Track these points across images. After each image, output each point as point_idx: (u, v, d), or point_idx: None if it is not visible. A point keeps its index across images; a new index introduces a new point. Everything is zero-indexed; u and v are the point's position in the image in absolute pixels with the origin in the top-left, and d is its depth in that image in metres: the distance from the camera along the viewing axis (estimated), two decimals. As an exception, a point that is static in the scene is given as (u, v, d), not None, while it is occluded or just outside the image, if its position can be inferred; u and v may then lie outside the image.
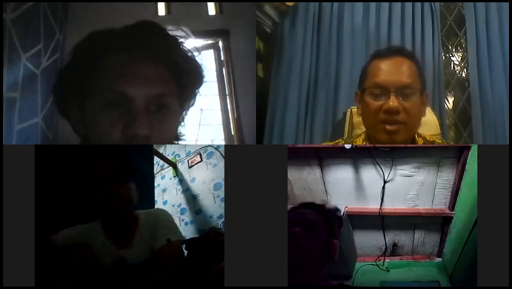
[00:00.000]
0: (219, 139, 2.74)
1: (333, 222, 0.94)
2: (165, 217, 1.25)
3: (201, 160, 2.52)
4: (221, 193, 2.32)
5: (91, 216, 1.17)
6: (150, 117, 0.80)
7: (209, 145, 2.51)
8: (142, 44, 0.82)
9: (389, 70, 1.12)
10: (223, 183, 2.33)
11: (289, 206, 1.01)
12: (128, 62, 0.81)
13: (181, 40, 0.88)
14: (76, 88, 0.84)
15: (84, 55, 0.84)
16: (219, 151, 2.42)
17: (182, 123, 0.95)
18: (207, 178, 2.43)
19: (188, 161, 2.57)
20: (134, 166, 1.19)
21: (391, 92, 1.09)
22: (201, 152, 2.52)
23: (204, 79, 0.92)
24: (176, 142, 0.95)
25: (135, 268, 1.09)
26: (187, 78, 0.88)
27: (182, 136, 0.95)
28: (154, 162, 2.35)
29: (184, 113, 0.94)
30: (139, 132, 0.78)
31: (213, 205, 2.34)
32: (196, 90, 0.93)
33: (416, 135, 1.21)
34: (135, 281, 1.04)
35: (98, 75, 0.81)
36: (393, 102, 1.09)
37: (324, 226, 0.91)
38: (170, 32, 0.87)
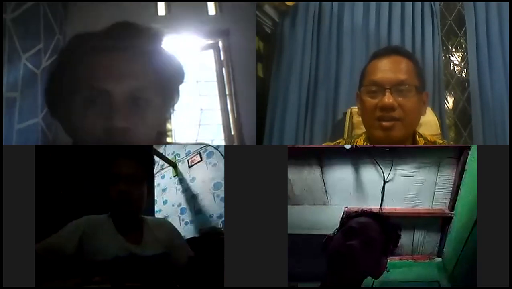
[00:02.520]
0: (219, 139, 2.73)
1: (390, 241, 0.92)
2: (171, 230, 1.24)
3: (201, 160, 2.51)
4: (221, 192, 2.32)
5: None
6: (127, 110, 0.82)
7: (209, 145, 2.51)
8: (120, 43, 0.85)
9: (385, 68, 1.13)
10: (223, 182, 2.32)
11: (352, 209, 0.96)
12: (105, 60, 0.83)
13: (159, 39, 0.90)
14: (61, 90, 0.86)
15: (67, 57, 0.87)
16: (219, 151, 2.42)
17: (169, 120, 0.96)
18: (207, 178, 2.43)
19: (188, 160, 2.57)
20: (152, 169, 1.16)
21: (386, 89, 1.10)
22: (201, 151, 2.52)
23: (185, 76, 0.94)
24: (164, 140, 0.96)
25: (145, 261, 1.08)
26: (166, 73, 0.90)
27: (169, 132, 0.96)
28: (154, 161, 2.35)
29: (171, 110, 0.95)
30: (117, 125, 0.80)
31: (213, 204, 2.34)
32: (179, 87, 0.95)
33: (417, 135, 1.21)
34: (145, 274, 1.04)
35: (79, 74, 0.83)
36: (388, 98, 1.09)
37: (381, 245, 0.90)
38: (147, 31, 0.89)
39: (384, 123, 1.11)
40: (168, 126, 0.97)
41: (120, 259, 1.04)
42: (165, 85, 0.90)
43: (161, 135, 0.95)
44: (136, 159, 1.09)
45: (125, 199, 1.06)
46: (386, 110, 1.10)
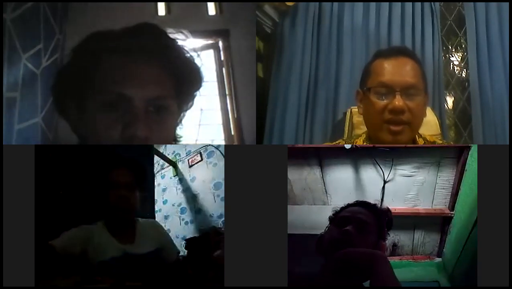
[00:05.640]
0: (219, 139, 2.73)
1: (383, 224, 0.95)
2: (160, 228, 1.33)
3: (201, 160, 2.52)
4: (221, 192, 2.32)
5: (93, 217, 1.18)
6: (149, 118, 0.80)
7: (209, 145, 2.52)
8: (142, 45, 0.82)
9: (394, 70, 1.12)
10: (223, 182, 2.33)
11: (344, 203, 1.01)
12: (127, 63, 0.81)
13: (180, 42, 0.88)
14: (74, 89, 0.84)
15: (83, 56, 0.84)
16: (220, 150, 2.42)
17: (180, 125, 0.95)
18: (207, 178, 2.43)
19: (188, 160, 2.58)
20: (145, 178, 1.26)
21: (397, 92, 1.09)
22: (201, 151, 2.53)
23: (203, 82, 0.93)
24: (174, 143, 0.96)
25: (142, 258, 1.13)
26: (186, 81, 0.88)
27: (179, 138, 0.96)
28: (154, 161, 2.35)
29: (182, 114, 0.94)
30: (138, 134, 0.78)
31: (213, 204, 2.35)
32: (195, 93, 0.93)
33: (416, 136, 1.21)
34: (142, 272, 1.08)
35: (97, 76, 0.81)
36: (398, 101, 1.09)
37: (375, 227, 0.92)
38: (170, 35, 0.87)
39: (393, 127, 1.10)
40: (179, 131, 0.96)
41: (116, 259, 1.08)
42: (183, 91, 0.89)
43: (174, 140, 0.95)
44: (130, 169, 1.18)
45: (123, 203, 1.14)
46: (396, 113, 1.09)
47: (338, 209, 1.00)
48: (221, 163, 2.38)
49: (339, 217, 0.94)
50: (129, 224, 1.19)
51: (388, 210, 0.99)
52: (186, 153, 2.60)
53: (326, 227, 0.96)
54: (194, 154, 2.55)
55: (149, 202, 1.75)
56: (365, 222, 0.91)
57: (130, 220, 1.20)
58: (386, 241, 0.95)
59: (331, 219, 0.98)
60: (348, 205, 0.99)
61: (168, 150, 2.65)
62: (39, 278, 0.96)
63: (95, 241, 1.09)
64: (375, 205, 0.98)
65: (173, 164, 2.61)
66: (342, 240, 0.86)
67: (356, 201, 1.01)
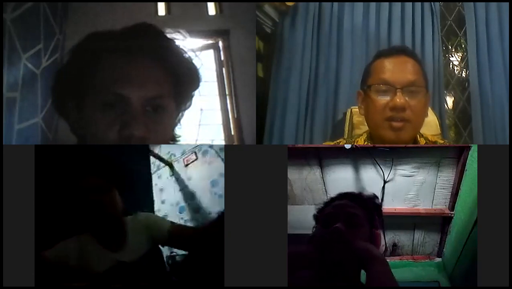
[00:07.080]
0: (219, 139, 2.74)
1: (373, 212, 0.91)
2: (151, 217, 1.20)
3: (196, 158, 2.53)
4: (219, 189, 2.33)
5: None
6: (146, 118, 0.81)
7: (203, 144, 2.53)
8: (140, 45, 0.82)
9: (394, 68, 1.12)
10: (219, 180, 2.34)
11: (326, 198, 0.95)
12: (125, 63, 0.81)
13: (179, 42, 0.88)
14: (73, 89, 0.84)
15: (82, 56, 0.85)
16: (214, 149, 2.43)
17: (179, 125, 0.95)
18: (203, 176, 2.44)
19: (183, 160, 2.59)
20: (119, 175, 1.14)
21: (398, 89, 1.09)
22: (196, 150, 2.54)
23: (201, 82, 0.93)
24: (172, 143, 0.96)
25: (134, 266, 1.05)
26: (183, 80, 0.88)
27: (178, 137, 0.96)
28: (151, 162, 2.36)
29: (180, 114, 0.94)
30: (135, 133, 0.79)
31: (211, 202, 2.35)
32: (193, 93, 0.94)
33: (418, 135, 1.21)
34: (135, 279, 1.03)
35: (95, 76, 0.81)
36: (399, 98, 1.08)
37: (365, 218, 0.88)
38: (168, 35, 0.87)
39: (395, 123, 1.10)
40: (177, 130, 0.96)
41: (111, 270, 1.01)
42: (181, 91, 0.89)
43: (172, 140, 0.95)
44: (101, 174, 1.07)
45: (97, 208, 1.04)
46: (397, 111, 1.09)
47: (322, 205, 0.94)
48: (216, 161, 2.39)
49: (325, 215, 0.89)
50: (116, 227, 1.08)
51: (374, 196, 0.94)
52: (181, 153, 2.61)
53: (313, 227, 0.92)
54: (189, 154, 2.56)
55: (148, 203, 1.74)
56: (353, 215, 0.86)
57: (116, 223, 1.08)
58: (380, 230, 0.89)
59: (316, 217, 0.93)
60: (332, 199, 0.94)
61: (163, 150, 2.65)
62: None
63: (83, 253, 1.02)
64: (360, 194, 0.94)
65: (169, 164, 2.62)
66: (332, 239, 0.81)
67: (339, 193, 0.95)
